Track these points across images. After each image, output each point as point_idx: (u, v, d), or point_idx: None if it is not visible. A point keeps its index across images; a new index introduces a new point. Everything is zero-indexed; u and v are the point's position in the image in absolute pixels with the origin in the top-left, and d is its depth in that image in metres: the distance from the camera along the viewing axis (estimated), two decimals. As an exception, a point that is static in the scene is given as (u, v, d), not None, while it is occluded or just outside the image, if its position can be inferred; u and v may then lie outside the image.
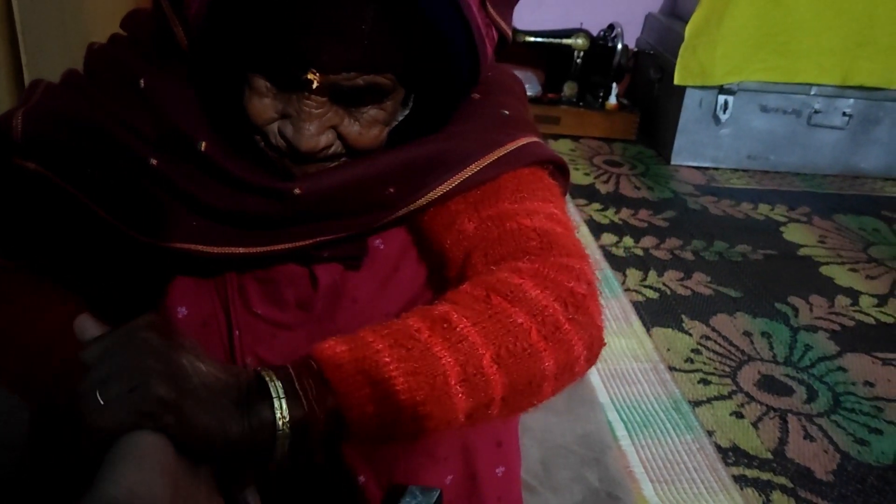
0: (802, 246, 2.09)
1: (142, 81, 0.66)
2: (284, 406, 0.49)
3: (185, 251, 0.67)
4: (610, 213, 2.18)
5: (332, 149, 0.65)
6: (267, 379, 0.50)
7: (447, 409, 0.53)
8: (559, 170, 0.74)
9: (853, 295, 1.85)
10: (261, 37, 0.59)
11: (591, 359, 0.60)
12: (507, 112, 0.72)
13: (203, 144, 0.65)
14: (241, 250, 0.67)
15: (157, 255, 0.68)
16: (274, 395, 0.49)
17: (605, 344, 0.61)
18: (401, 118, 0.68)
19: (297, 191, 0.64)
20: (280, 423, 0.49)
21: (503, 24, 0.68)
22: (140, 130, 0.66)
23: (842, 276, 1.94)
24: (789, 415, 1.41)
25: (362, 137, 0.65)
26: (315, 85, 0.60)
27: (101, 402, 0.46)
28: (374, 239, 0.73)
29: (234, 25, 0.59)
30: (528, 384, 0.56)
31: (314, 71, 0.59)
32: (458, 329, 0.54)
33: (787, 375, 1.52)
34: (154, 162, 0.66)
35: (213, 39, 0.61)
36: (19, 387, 0.65)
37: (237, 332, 0.75)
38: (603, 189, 2.34)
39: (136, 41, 0.70)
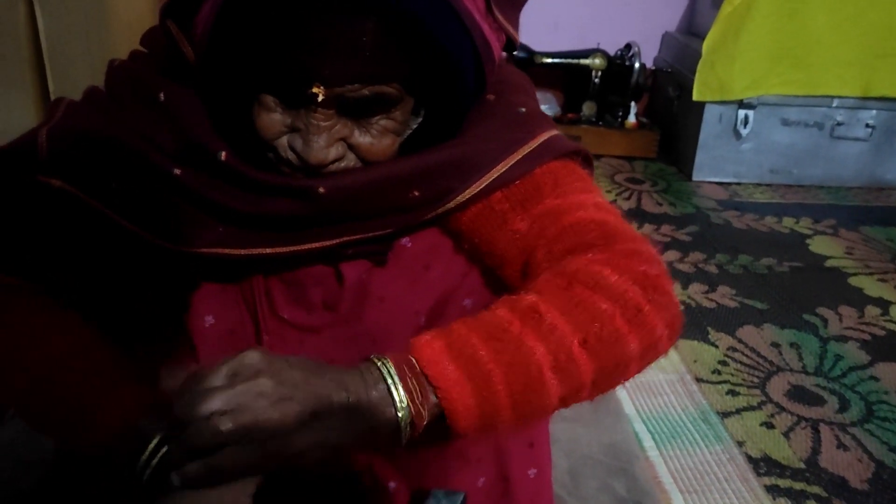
0: (829, 257, 2.06)
1: (161, 95, 0.68)
2: (406, 413, 0.54)
3: (213, 255, 0.68)
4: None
5: (344, 162, 0.66)
6: (390, 385, 0.54)
7: (542, 398, 0.56)
8: (584, 160, 0.75)
9: (883, 305, 1.82)
10: (263, 55, 0.60)
11: (673, 336, 0.63)
12: (523, 109, 0.73)
13: (223, 154, 0.66)
14: (268, 250, 0.68)
15: (184, 262, 0.69)
16: (398, 403, 0.53)
17: (683, 319, 0.64)
18: (414, 126, 0.69)
19: (320, 189, 0.64)
20: (402, 424, 0.54)
21: (510, 28, 0.69)
22: (161, 143, 0.67)
23: (871, 286, 1.91)
24: (821, 424, 1.38)
25: (374, 148, 0.66)
26: (320, 98, 0.61)
27: (221, 431, 0.50)
28: (401, 237, 0.73)
29: (237, 45, 0.61)
30: (616, 366, 0.59)
31: (318, 84, 0.60)
32: (547, 319, 0.57)
33: (818, 385, 1.50)
34: (177, 172, 0.67)
35: (218, 59, 0.63)
36: (21, 407, 0.66)
37: (266, 338, 0.76)
38: (625, 206, 2.33)
39: (155, 56, 0.72)
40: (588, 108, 2.68)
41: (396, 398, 0.53)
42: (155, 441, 0.60)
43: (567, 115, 2.72)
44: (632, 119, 2.69)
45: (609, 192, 2.43)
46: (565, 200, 0.68)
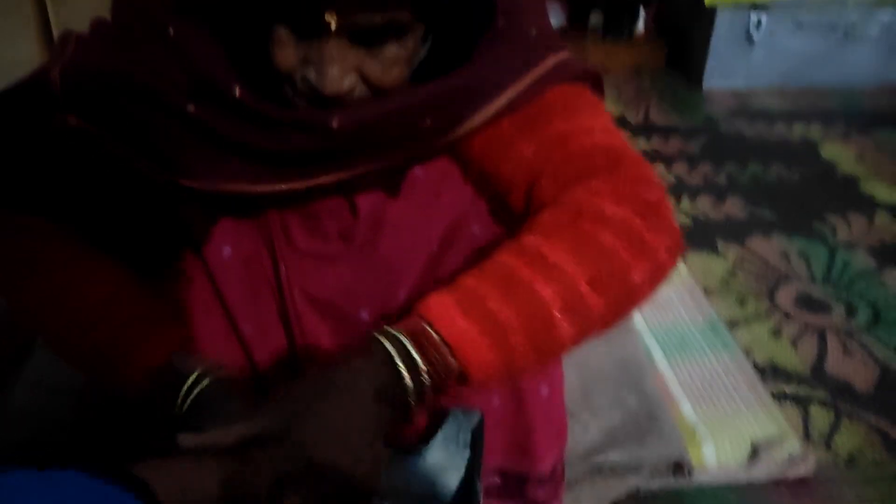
0: (840, 164, 2.05)
1: (171, 30, 0.67)
2: (416, 391, 0.55)
3: (230, 192, 0.69)
4: (641, 142, 2.16)
5: (357, 91, 0.66)
6: (404, 376, 0.55)
7: (556, 339, 0.58)
8: (594, 83, 0.74)
9: (893, 211, 1.82)
10: None
11: (674, 259, 0.64)
12: (534, 31, 0.72)
13: (237, 90, 0.66)
14: (284, 186, 0.69)
15: (201, 198, 0.71)
16: (410, 395, 0.55)
17: (682, 243, 0.65)
18: (423, 54, 0.69)
19: (334, 124, 0.65)
20: (413, 403, 0.56)
21: None
22: (173, 79, 0.67)
23: (881, 192, 1.91)
24: (828, 331, 1.41)
25: (385, 76, 0.65)
26: (333, 27, 0.60)
27: None
28: (413, 166, 0.74)
29: None
30: (624, 298, 0.61)
31: (332, 12, 0.59)
32: (552, 261, 0.58)
33: (826, 293, 1.52)
34: (191, 109, 0.67)
35: None
36: (65, 352, 0.69)
37: (283, 268, 0.78)
38: (633, 119, 2.31)
39: None
40: (595, 19, 2.62)
41: (422, 378, 0.55)
42: (194, 376, 0.63)
43: (573, 26, 2.66)
44: (640, 28, 2.62)
45: (617, 105, 2.40)
46: (573, 124, 0.68)
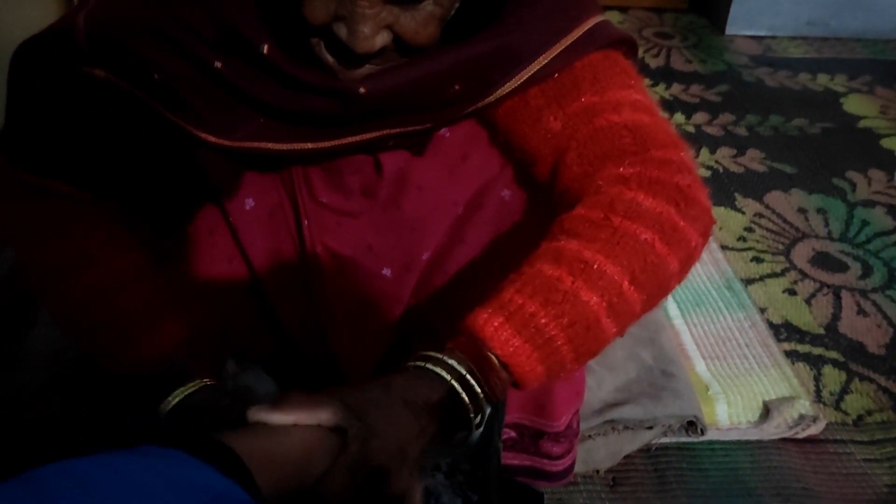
0: (862, 118, 2.01)
1: None
2: (478, 415, 0.58)
3: (255, 150, 0.68)
4: (660, 89, 2.12)
5: (389, 48, 0.63)
6: (469, 410, 0.57)
7: (601, 341, 0.60)
8: (629, 48, 0.72)
9: (914, 168, 1.80)
10: None
11: (705, 239, 0.65)
12: None
13: (265, 47, 0.64)
14: (310, 145, 0.68)
15: (225, 151, 0.69)
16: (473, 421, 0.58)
17: (715, 221, 0.65)
18: (453, 11, 0.66)
19: (361, 90, 0.63)
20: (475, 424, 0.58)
21: None
22: (201, 32, 0.64)
23: (903, 148, 1.88)
24: (843, 291, 1.41)
25: (419, 35, 0.62)
26: None
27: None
28: (440, 129, 0.72)
29: None
30: (661, 288, 0.62)
31: None
32: (594, 267, 0.59)
33: (843, 252, 1.51)
34: (218, 65, 0.65)
35: None
36: (66, 324, 0.69)
37: (305, 222, 0.77)
38: (653, 63, 2.26)
39: None
40: (617, -44, 2.54)
41: (481, 403, 0.57)
42: (193, 386, 0.65)
43: (595, -37, 2.58)
44: (663, -33, 2.54)
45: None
46: (602, 98, 0.67)
